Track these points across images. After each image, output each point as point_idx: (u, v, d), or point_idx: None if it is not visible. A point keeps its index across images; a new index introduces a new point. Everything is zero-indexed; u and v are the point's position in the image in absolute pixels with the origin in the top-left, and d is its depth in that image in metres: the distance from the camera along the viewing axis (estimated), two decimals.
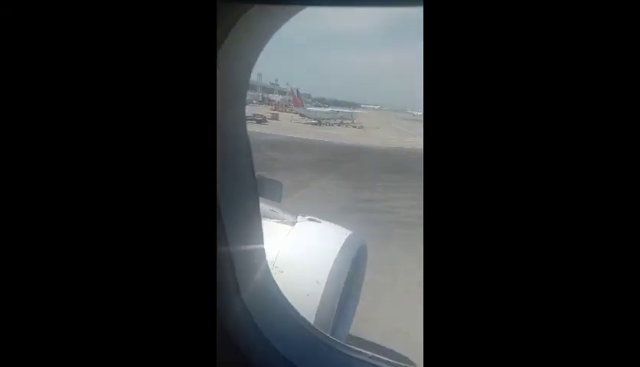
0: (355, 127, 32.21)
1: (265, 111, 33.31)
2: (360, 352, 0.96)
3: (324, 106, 52.42)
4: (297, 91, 40.67)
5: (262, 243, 1.04)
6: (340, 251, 1.89)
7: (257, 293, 0.96)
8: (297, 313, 1.04)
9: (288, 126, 26.77)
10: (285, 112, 39.19)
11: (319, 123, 31.79)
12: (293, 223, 2.06)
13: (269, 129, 22.37)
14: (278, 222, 1.99)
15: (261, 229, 1.03)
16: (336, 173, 11.59)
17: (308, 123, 31.40)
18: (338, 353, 0.97)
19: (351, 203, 8.16)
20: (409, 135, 29.31)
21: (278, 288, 1.06)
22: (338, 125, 32.30)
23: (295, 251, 1.86)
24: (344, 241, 1.98)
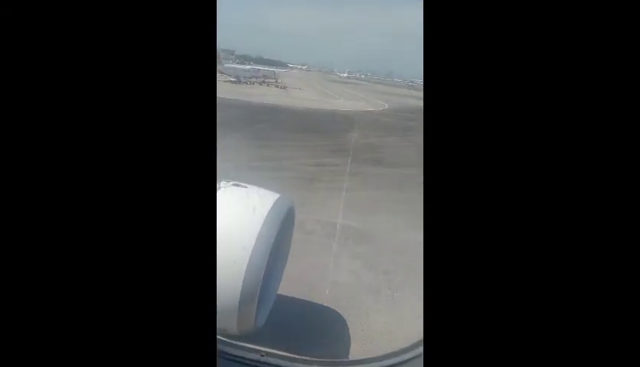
0: (278, 87, 31.25)
1: None
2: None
3: (244, 63, 49.03)
4: None
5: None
6: (267, 216, 1.84)
7: None
8: None
9: None
10: None
11: (239, 81, 29.90)
12: (217, 189, 1.98)
13: None
14: None
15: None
16: (245, 133, 11.36)
17: (227, 81, 29.26)
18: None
19: (254, 162, 8.23)
20: (331, 97, 29.85)
21: None
22: (259, 84, 30.89)
23: (220, 219, 1.72)
24: (271, 205, 1.93)
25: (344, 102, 26.23)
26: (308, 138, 11.84)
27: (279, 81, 33.98)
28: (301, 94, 28.22)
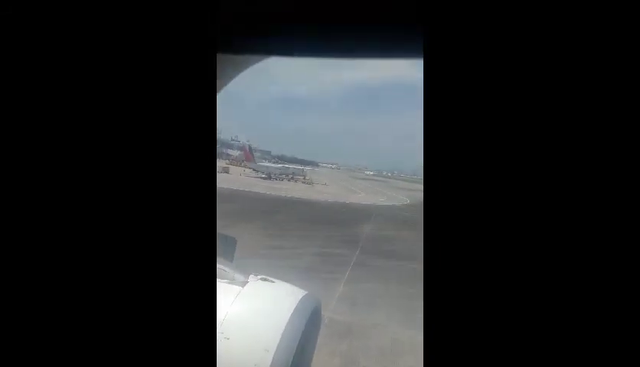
0: (304, 183, 33.48)
1: (218, 164, 33.68)
2: None
3: (278, 162, 54.07)
4: (249, 146, 42.13)
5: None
6: (292, 315, 1.78)
7: None
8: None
9: (235, 179, 27.11)
10: (239, 166, 39.84)
11: (269, 177, 32.65)
12: (244, 283, 1.94)
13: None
14: (228, 282, 1.86)
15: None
16: (261, 222, 11.89)
17: (258, 177, 32.07)
18: None
19: (259, 250, 8.39)
20: (352, 192, 31.07)
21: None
22: (288, 181, 33.37)
23: (243, 316, 1.69)
24: (297, 303, 1.88)
25: (365, 196, 27.05)
26: (320, 228, 12.04)
27: (307, 178, 36.56)
28: (325, 189, 29.81)
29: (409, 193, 36.62)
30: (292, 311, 1.79)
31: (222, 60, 0.69)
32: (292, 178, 34.68)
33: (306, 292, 1.99)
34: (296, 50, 0.72)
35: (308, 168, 45.55)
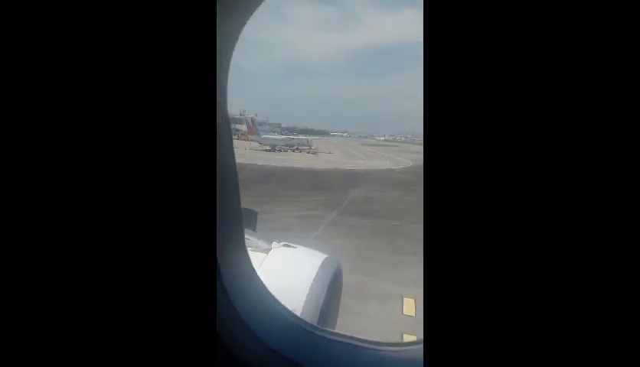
0: (309, 152, 33.76)
1: None
2: (348, 337, 0.95)
3: (288, 134, 54.07)
4: (251, 119, 42.38)
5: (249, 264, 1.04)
6: (315, 278, 1.87)
7: (243, 291, 0.93)
8: (281, 306, 1.03)
9: (239, 153, 27.66)
10: (245, 140, 40.43)
11: (273, 149, 33.12)
12: (267, 250, 2.03)
13: None
14: (252, 250, 1.94)
15: (246, 253, 1.03)
16: (254, 192, 12.55)
17: (262, 150, 32.60)
18: (323, 339, 0.97)
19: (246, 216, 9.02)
20: (357, 158, 31.14)
21: (262, 283, 1.04)
22: (292, 151, 33.74)
23: (269, 281, 1.88)
24: (319, 266, 1.97)
25: (367, 162, 27.16)
26: (309, 194, 12.58)
27: (312, 147, 36.75)
28: (328, 157, 30.03)
29: (416, 155, 36.18)
30: (314, 274, 1.93)
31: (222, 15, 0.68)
32: (297, 149, 34.97)
33: (327, 255, 2.18)
34: None
35: (316, 138, 45.48)
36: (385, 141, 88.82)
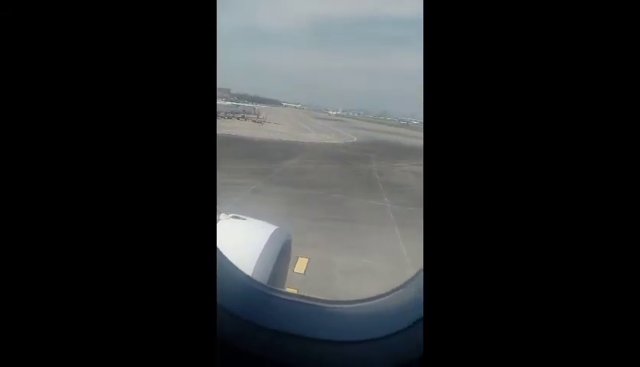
0: (255, 121, 32.66)
1: None
2: (301, 296, 0.98)
3: (237, 100, 51.45)
4: None
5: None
6: (264, 248, 1.88)
7: None
8: (236, 269, 1.04)
9: None
10: None
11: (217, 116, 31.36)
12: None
13: None
14: None
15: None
16: None
17: None
18: (278, 299, 0.98)
19: None
20: (304, 130, 31.07)
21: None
22: (237, 119, 32.33)
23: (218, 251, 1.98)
24: (268, 237, 1.98)
25: (312, 135, 27.30)
26: (242, 163, 12.34)
27: (260, 116, 35.57)
28: (274, 128, 29.43)
29: (362, 132, 37.29)
30: (263, 244, 1.92)
31: None
32: (243, 117, 33.59)
33: (277, 226, 2.19)
34: None
35: (263, 106, 43.99)
36: (337, 115, 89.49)
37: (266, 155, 14.51)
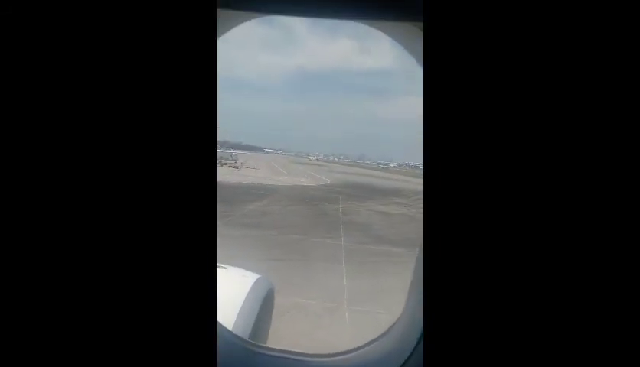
0: (231, 166, 33.09)
1: None
2: (281, 351, 0.95)
3: (225, 148, 52.18)
4: None
5: None
6: (246, 299, 1.84)
7: None
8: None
9: None
10: None
11: None
12: None
13: None
14: None
15: None
16: None
17: None
18: (258, 354, 0.95)
19: None
20: (280, 174, 31.62)
21: None
22: None
23: None
24: (250, 286, 1.94)
25: (287, 178, 27.78)
26: None
27: (238, 162, 36.10)
28: (250, 172, 29.83)
29: (337, 175, 38.27)
30: (245, 294, 1.87)
31: (219, 15, 0.68)
32: (219, 162, 34.00)
33: (259, 276, 2.15)
34: (294, 8, 0.72)
35: (243, 152, 44.85)
36: (317, 160, 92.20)
37: (233, 198, 14.57)
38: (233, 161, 35.58)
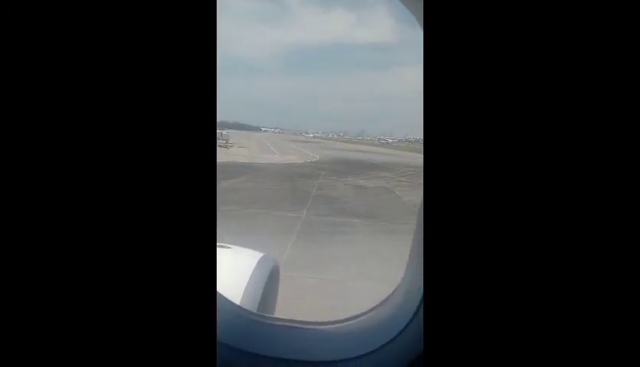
0: (220, 145, 32.94)
1: None
2: (288, 320, 0.97)
3: (223, 129, 51.92)
4: None
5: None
6: (251, 277, 1.86)
7: None
8: (221, 297, 1.01)
9: None
10: None
11: None
12: None
13: None
14: None
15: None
16: None
17: None
18: (265, 325, 0.97)
19: None
20: (270, 153, 31.49)
21: None
22: None
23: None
24: (254, 265, 1.96)
25: (275, 156, 27.66)
26: None
27: (229, 141, 35.92)
28: (239, 151, 29.69)
29: (330, 152, 38.02)
30: (250, 273, 1.88)
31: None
32: None
33: (263, 254, 2.17)
34: None
35: (235, 132, 44.48)
36: (314, 138, 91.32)
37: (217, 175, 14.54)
38: (224, 141, 35.37)
